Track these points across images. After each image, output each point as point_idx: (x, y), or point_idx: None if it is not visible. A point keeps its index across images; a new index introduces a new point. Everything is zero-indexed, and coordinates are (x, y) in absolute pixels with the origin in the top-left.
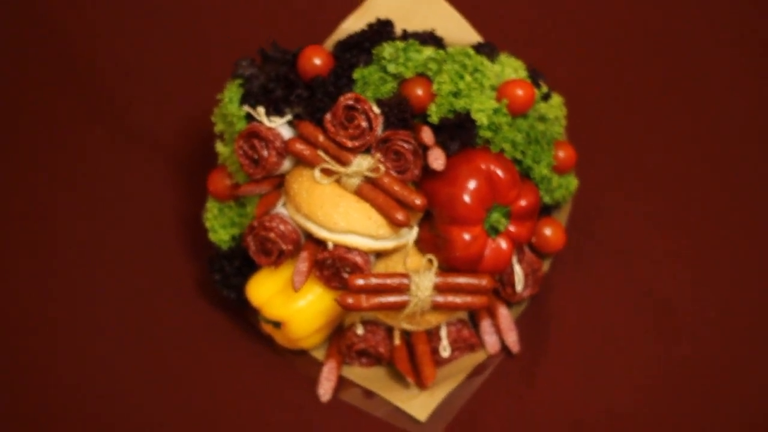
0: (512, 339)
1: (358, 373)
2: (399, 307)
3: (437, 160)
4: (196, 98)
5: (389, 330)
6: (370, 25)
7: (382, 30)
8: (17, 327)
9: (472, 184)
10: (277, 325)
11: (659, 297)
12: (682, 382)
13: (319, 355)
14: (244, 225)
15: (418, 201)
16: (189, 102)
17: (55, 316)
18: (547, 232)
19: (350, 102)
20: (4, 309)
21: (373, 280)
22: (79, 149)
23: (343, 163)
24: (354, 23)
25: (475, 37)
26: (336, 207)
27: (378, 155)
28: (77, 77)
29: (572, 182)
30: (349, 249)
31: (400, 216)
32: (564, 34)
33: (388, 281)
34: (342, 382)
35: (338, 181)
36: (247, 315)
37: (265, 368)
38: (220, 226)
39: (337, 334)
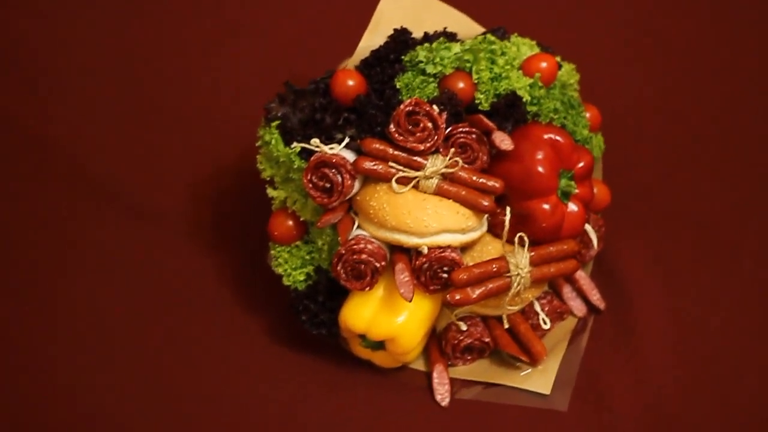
0: (596, 297)
1: (464, 371)
2: (503, 290)
3: (504, 140)
4: (185, 163)
5: (485, 320)
6: (391, 37)
7: (403, 39)
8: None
9: (540, 155)
10: (379, 346)
11: (708, 223)
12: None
13: (417, 366)
14: (316, 261)
15: (498, 184)
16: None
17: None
18: (594, 190)
19: (411, 107)
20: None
21: (476, 271)
22: (88, 232)
23: (417, 167)
24: (368, 41)
25: (478, 29)
26: (424, 210)
27: (452, 150)
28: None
29: (601, 140)
30: (443, 248)
31: (486, 202)
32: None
33: (489, 268)
34: (453, 384)
35: (415, 187)
36: (332, 347)
37: (378, 390)
38: (292, 269)
39: (433, 340)
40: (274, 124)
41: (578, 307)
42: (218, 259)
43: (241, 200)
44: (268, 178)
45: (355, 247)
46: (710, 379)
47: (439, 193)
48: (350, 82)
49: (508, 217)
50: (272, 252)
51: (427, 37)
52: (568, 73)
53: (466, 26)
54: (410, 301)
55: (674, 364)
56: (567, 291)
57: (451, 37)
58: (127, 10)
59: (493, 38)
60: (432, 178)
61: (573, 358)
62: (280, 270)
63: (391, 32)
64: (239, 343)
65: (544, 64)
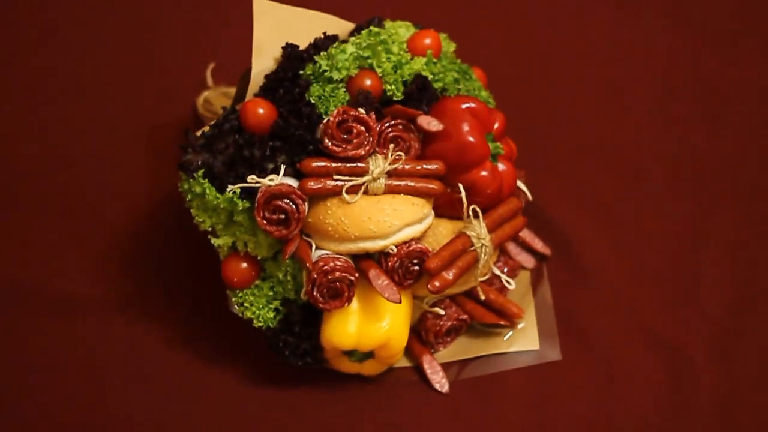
0: (540, 245)
1: (448, 354)
2: (473, 263)
3: (431, 123)
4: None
5: (453, 299)
6: (284, 56)
7: (296, 54)
8: None
9: (466, 126)
10: (368, 355)
11: (613, 147)
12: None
13: (401, 364)
14: (280, 294)
15: (439, 166)
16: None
17: None
18: None
19: (340, 117)
20: None
21: (445, 254)
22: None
23: (361, 173)
24: (258, 68)
25: (350, 25)
26: (383, 211)
27: (391, 146)
28: None
29: (491, 96)
30: (408, 243)
31: (434, 186)
32: None
33: (456, 247)
34: (445, 368)
35: (366, 192)
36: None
37: (380, 398)
38: (259, 309)
39: (412, 333)
40: (199, 173)
41: (527, 259)
42: (169, 328)
43: (166, 260)
44: (209, 229)
45: (325, 268)
46: (671, 287)
47: (389, 191)
48: (261, 111)
49: (464, 194)
50: (234, 299)
51: (317, 46)
52: (446, 43)
53: (339, 26)
54: (400, 302)
55: (634, 283)
56: (512, 248)
57: (334, 39)
58: None
59: (377, 29)
60: (379, 178)
61: (545, 308)
62: (248, 314)
63: (277, 53)
64: (224, 399)
65: (428, 41)
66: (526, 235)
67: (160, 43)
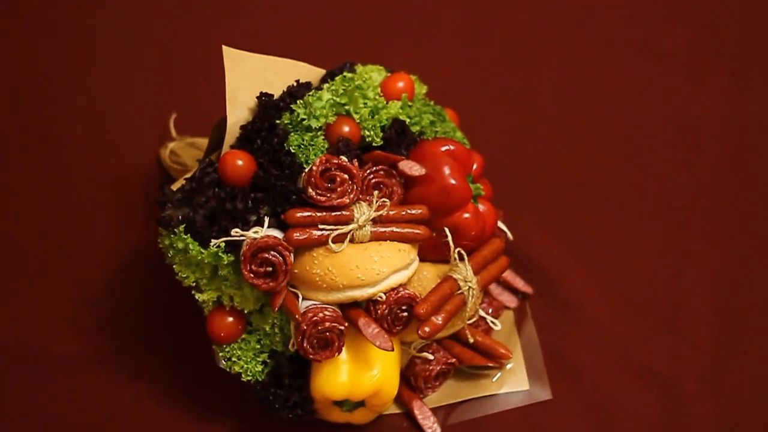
0: (522, 284)
1: (437, 398)
2: (460, 306)
3: (413, 167)
4: None
5: (440, 344)
6: (258, 106)
7: (273, 103)
8: None
9: (447, 169)
10: (359, 404)
11: (583, 180)
12: None
13: (390, 410)
14: (268, 347)
15: (423, 210)
16: None
17: None
18: None
19: (323, 166)
20: None
21: (433, 299)
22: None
23: (346, 221)
24: (233, 119)
25: (321, 71)
26: (370, 259)
27: (376, 193)
28: None
29: (464, 136)
30: (396, 290)
31: (419, 231)
32: None
33: (444, 291)
34: (435, 413)
35: (351, 241)
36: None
37: None
38: (247, 363)
39: (400, 379)
40: (180, 228)
41: (509, 299)
42: (153, 384)
43: (143, 315)
44: (193, 284)
45: (315, 319)
46: (655, 318)
47: (375, 238)
48: (240, 162)
49: (450, 237)
50: (221, 354)
51: (292, 94)
52: (418, 85)
53: (310, 72)
54: (392, 350)
55: (619, 316)
56: (494, 288)
57: (308, 87)
58: None
59: (350, 75)
60: (365, 226)
61: (531, 347)
62: (236, 368)
63: (251, 103)
64: None
65: (401, 84)
66: (507, 274)
67: (119, 95)
